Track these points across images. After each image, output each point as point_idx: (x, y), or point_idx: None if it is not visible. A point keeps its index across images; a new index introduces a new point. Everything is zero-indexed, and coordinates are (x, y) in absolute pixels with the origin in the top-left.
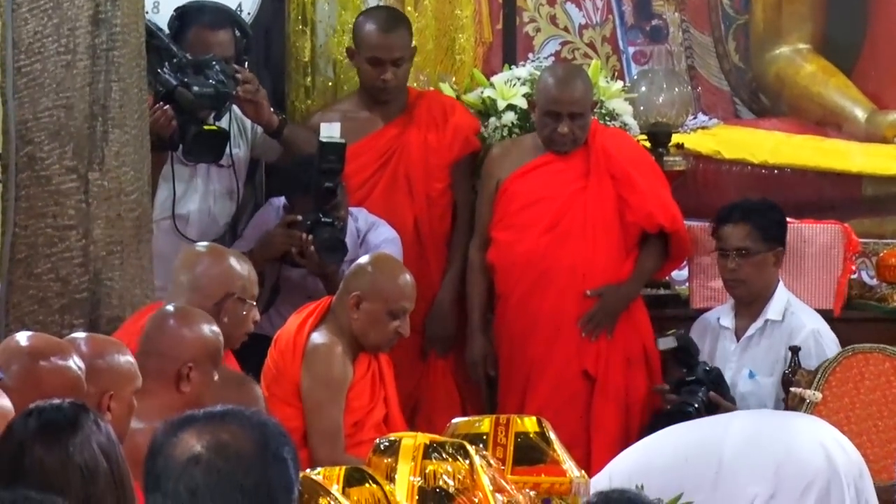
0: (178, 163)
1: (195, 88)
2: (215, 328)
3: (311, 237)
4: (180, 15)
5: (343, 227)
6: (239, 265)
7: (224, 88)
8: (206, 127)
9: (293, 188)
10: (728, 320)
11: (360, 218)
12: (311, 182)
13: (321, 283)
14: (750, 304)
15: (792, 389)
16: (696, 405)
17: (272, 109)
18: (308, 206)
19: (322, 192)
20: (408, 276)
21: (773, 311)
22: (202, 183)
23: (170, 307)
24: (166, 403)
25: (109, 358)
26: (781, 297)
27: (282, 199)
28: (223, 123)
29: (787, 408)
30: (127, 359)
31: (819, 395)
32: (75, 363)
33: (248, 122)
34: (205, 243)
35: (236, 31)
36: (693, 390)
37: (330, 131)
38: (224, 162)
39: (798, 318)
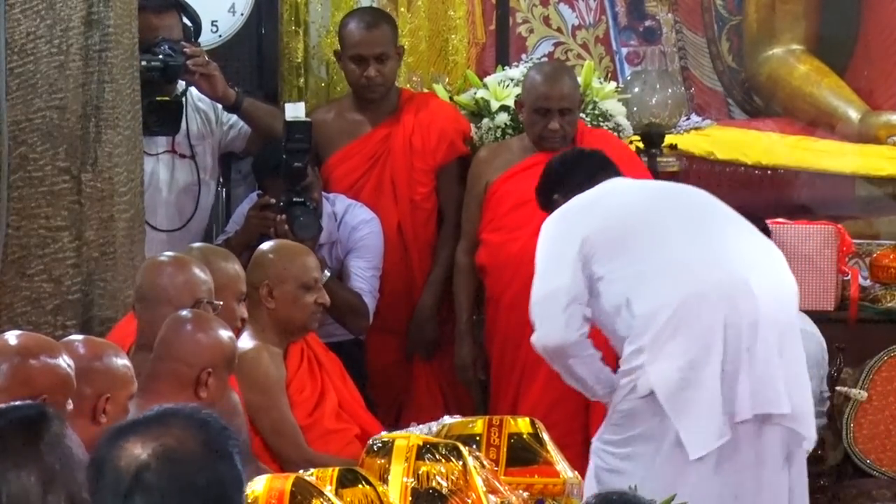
0: None
1: (143, 63)
2: (231, 333)
3: (283, 217)
4: None
5: (316, 208)
6: (202, 272)
7: (173, 62)
8: (158, 98)
9: (263, 172)
10: None
11: (336, 202)
12: (280, 164)
13: None
14: None
15: (837, 388)
16: None
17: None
18: (281, 190)
19: (291, 172)
20: (306, 250)
21: None
22: (165, 173)
23: (186, 312)
24: None
25: (107, 360)
26: None
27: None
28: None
29: (832, 406)
30: (123, 362)
31: (865, 394)
32: (65, 361)
33: (211, 115)
34: (169, 253)
35: (183, 18)
36: None
37: (295, 111)
38: (185, 152)
39: None
